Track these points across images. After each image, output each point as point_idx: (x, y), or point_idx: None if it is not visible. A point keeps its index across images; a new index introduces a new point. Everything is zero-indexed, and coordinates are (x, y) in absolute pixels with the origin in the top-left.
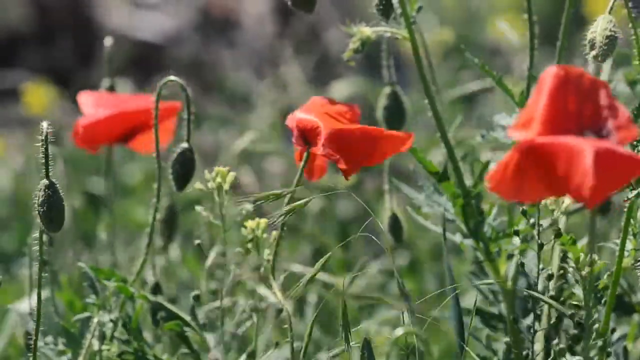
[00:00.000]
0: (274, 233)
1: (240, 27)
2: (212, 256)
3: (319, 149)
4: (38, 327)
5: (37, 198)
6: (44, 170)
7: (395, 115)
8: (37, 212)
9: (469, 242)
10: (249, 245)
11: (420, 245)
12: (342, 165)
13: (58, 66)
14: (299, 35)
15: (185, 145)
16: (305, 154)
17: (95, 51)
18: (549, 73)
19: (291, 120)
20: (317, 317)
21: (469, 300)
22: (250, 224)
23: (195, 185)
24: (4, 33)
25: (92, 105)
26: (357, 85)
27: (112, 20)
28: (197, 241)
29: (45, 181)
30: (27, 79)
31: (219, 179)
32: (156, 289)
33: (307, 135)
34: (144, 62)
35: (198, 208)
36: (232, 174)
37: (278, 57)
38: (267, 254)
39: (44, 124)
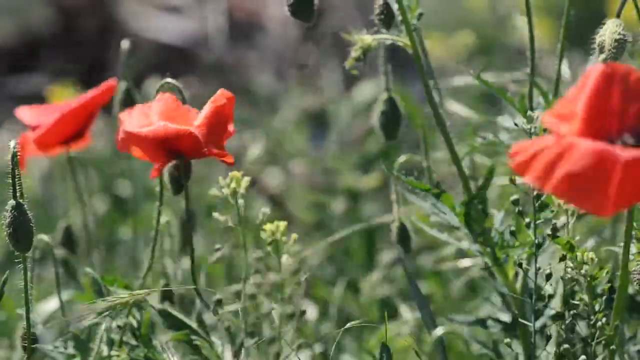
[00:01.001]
0: (294, 235)
1: (263, 31)
2: (217, 255)
3: (205, 153)
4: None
5: (5, 218)
6: (12, 190)
7: (390, 121)
8: (4, 232)
9: (476, 247)
10: (269, 248)
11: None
12: (224, 157)
13: (81, 70)
14: (323, 39)
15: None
16: (187, 166)
17: (118, 54)
18: (595, 69)
19: (126, 140)
20: (339, 319)
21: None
22: (269, 226)
23: (210, 191)
24: (27, 37)
25: (32, 116)
26: (378, 87)
27: (136, 23)
28: (217, 245)
29: (12, 202)
30: (51, 83)
31: (233, 184)
32: (166, 295)
33: (179, 144)
34: (167, 65)
35: (215, 214)
36: (246, 179)
37: (302, 60)
38: (286, 257)
39: (12, 143)
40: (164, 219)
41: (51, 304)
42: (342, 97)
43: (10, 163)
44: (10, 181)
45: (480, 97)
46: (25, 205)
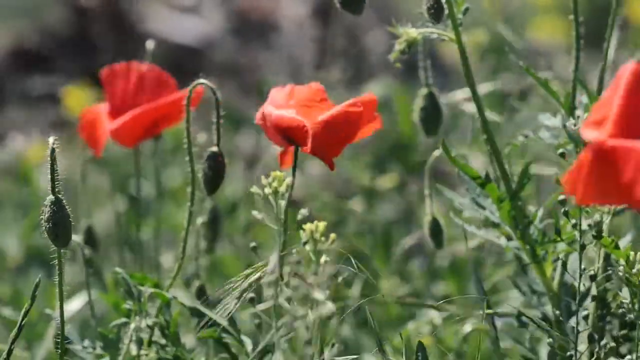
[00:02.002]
0: (332, 235)
1: (278, 31)
2: (273, 259)
3: (308, 149)
4: (63, 331)
5: (44, 214)
6: (51, 186)
7: (432, 116)
8: (43, 227)
9: (514, 244)
10: (307, 248)
11: (461, 248)
12: (329, 161)
13: (96, 70)
14: (337, 39)
15: (214, 149)
16: (294, 155)
17: (133, 55)
18: (627, 69)
19: (263, 118)
20: (359, 319)
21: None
22: (308, 226)
23: (252, 189)
24: (42, 37)
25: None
26: (389, 87)
27: (151, 24)
28: (252, 244)
29: (51, 197)
30: (66, 83)
31: (275, 184)
32: (200, 293)
33: (292, 135)
34: (181, 65)
35: (254, 213)
36: (289, 179)
37: (316, 60)
38: (324, 258)
39: (51, 139)
40: (197, 220)
41: (75, 304)
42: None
43: (49, 158)
44: (50, 176)
45: (488, 96)
46: (64, 201)
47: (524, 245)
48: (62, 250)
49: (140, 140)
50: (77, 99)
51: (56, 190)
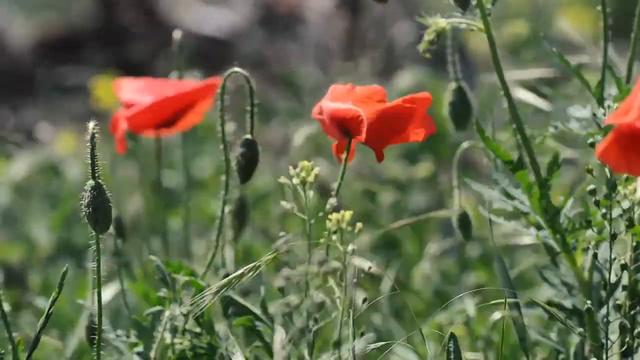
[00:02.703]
0: (359, 224)
1: (304, 22)
2: (280, 241)
3: (362, 139)
4: (100, 320)
5: (84, 199)
6: (91, 171)
7: (462, 111)
8: (83, 213)
9: (544, 234)
10: (334, 237)
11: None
12: (380, 152)
13: (124, 61)
14: (364, 30)
15: (248, 137)
16: (347, 146)
17: (160, 46)
18: None
19: (320, 112)
20: (391, 308)
21: (542, 293)
22: (334, 216)
23: (280, 179)
24: (69, 29)
25: (133, 92)
26: (419, 76)
27: (177, 15)
28: (281, 233)
29: (91, 182)
30: (95, 74)
31: (303, 173)
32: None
33: (347, 125)
34: (209, 57)
35: (283, 202)
36: (317, 169)
37: (343, 51)
38: (350, 247)
39: (91, 124)
40: (222, 208)
41: (106, 294)
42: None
43: (89, 144)
44: (90, 161)
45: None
46: (104, 186)
47: (553, 234)
48: (99, 237)
49: (160, 129)
50: (107, 89)
51: (96, 175)
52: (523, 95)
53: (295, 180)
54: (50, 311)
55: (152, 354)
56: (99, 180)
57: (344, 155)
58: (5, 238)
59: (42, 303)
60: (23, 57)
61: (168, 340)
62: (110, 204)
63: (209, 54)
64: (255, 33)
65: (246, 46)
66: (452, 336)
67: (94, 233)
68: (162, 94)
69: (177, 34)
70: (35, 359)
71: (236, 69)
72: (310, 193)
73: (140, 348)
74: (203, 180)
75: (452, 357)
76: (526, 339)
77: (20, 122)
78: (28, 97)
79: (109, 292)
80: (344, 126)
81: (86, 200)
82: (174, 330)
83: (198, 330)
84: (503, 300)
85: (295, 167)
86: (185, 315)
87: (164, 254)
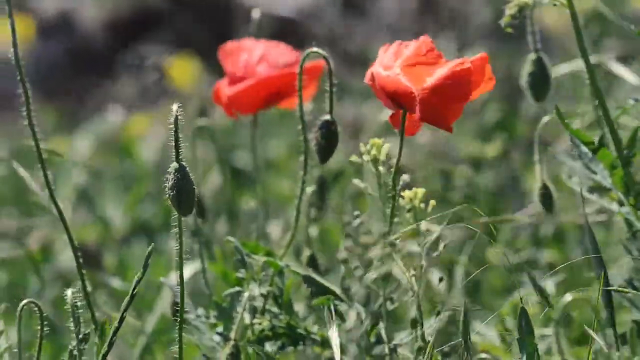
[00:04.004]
0: (432, 201)
1: (376, 1)
2: (356, 221)
3: (417, 117)
4: (182, 301)
5: (167, 181)
6: (175, 153)
7: (540, 82)
8: (167, 195)
9: (625, 210)
10: (408, 215)
11: (565, 216)
12: (445, 126)
13: (194, 41)
14: (437, 6)
15: (327, 117)
16: (402, 119)
17: (230, 26)
18: None
19: (372, 78)
20: (466, 287)
21: (619, 270)
22: (407, 193)
23: (351, 158)
24: (140, 10)
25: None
26: (490, 51)
27: None
28: (356, 212)
29: (175, 164)
30: (167, 55)
31: (374, 151)
32: (312, 262)
33: (400, 100)
34: (281, 37)
35: (355, 181)
36: (387, 146)
37: (416, 28)
38: (425, 224)
39: (174, 107)
40: (302, 188)
41: (185, 273)
42: None
43: (173, 126)
44: (174, 144)
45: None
46: (188, 168)
47: (635, 211)
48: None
49: (259, 109)
50: (181, 69)
51: (179, 157)
52: (616, 68)
53: (366, 158)
54: (134, 291)
55: (232, 335)
56: (183, 163)
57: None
58: (81, 219)
59: (118, 283)
60: (95, 38)
61: (247, 321)
62: (193, 187)
63: (281, 33)
64: (327, 12)
65: (318, 25)
66: (523, 311)
67: (172, 214)
68: (267, 74)
69: (255, 14)
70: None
71: (314, 48)
72: (382, 170)
73: (220, 328)
74: (275, 162)
75: (523, 332)
76: (613, 314)
77: (94, 102)
78: (101, 78)
79: (188, 272)
80: (397, 100)
81: (170, 183)
82: (253, 311)
83: (277, 310)
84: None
85: (366, 144)
86: (265, 296)
87: (240, 234)
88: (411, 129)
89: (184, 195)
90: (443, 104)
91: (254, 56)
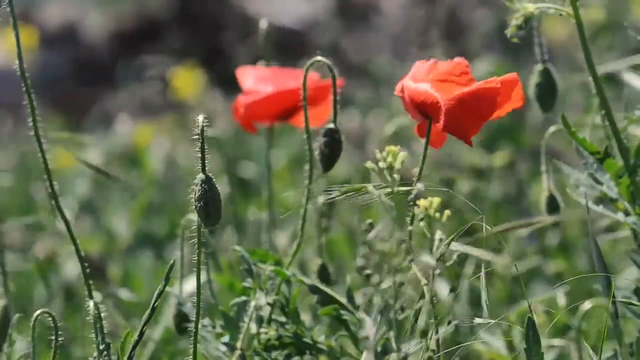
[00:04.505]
0: (447, 211)
1: (380, 12)
2: (375, 231)
3: (440, 126)
4: (198, 310)
5: (194, 193)
6: (201, 165)
7: (547, 92)
8: (194, 207)
9: (632, 220)
10: (422, 224)
11: (571, 226)
12: (466, 139)
13: (196, 52)
14: (440, 18)
15: (331, 126)
16: (427, 129)
17: (238, 37)
18: None
19: (402, 90)
20: (473, 296)
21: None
22: (423, 202)
23: (367, 164)
24: (145, 20)
25: (253, 80)
26: (496, 64)
27: (252, 6)
28: (368, 221)
29: (201, 175)
30: (170, 64)
31: (390, 158)
32: (323, 271)
33: (426, 110)
34: (285, 47)
35: (369, 187)
36: (403, 154)
37: (419, 40)
38: (438, 234)
39: (200, 118)
40: (307, 198)
41: (190, 284)
42: None
43: (199, 137)
44: (200, 155)
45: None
46: (214, 180)
47: None
48: (203, 230)
49: (275, 120)
50: (185, 80)
51: (206, 169)
52: (629, 78)
53: (382, 165)
54: (155, 304)
55: (238, 344)
56: (209, 174)
57: (425, 139)
58: (86, 229)
59: (125, 294)
60: (99, 48)
61: (254, 330)
62: (220, 198)
63: (286, 44)
64: (332, 23)
65: (322, 36)
66: (530, 322)
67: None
68: (283, 86)
69: (263, 24)
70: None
71: (319, 57)
72: (397, 178)
73: (226, 338)
74: (277, 172)
75: (530, 343)
76: (619, 325)
77: (99, 112)
78: (106, 88)
79: (193, 282)
80: (423, 110)
81: (197, 194)
82: (259, 320)
83: (284, 319)
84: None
85: (380, 152)
86: (271, 305)
87: (246, 244)
88: (435, 142)
89: (212, 206)
90: (467, 117)
91: (269, 75)
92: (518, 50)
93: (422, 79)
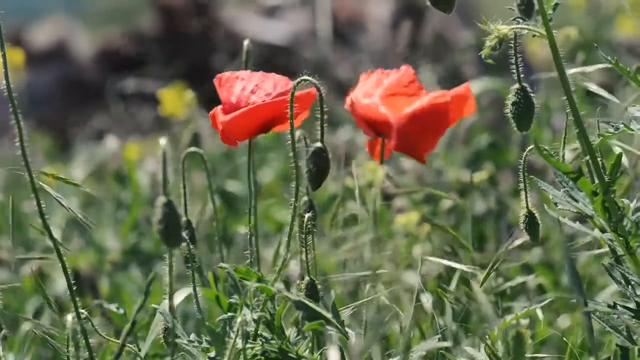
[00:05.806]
0: (426, 226)
1: (365, 31)
2: (347, 247)
3: (391, 145)
4: (174, 325)
5: (155, 215)
6: (162, 187)
7: (524, 111)
8: (155, 228)
9: (608, 236)
10: (402, 241)
11: (552, 242)
12: (418, 156)
13: (187, 70)
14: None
15: (318, 145)
16: (381, 145)
17: (226, 55)
18: None
19: (352, 105)
20: (454, 312)
21: (604, 295)
22: (401, 218)
23: (346, 181)
24: (133, 39)
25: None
26: (486, 85)
27: (238, 25)
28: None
29: (162, 198)
30: (160, 83)
31: (369, 175)
32: (311, 288)
33: (377, 128)
34: (272, 64)
35: (352, 205)
36: (382, 170)
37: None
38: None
39: (162, 141)
40: (293, 215)
41: (176, 299)
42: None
43: (161, 160)
44: (162, 177)
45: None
46: (174, 202)
47: (617, 237)
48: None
49: (253, 135)
50: (173, 98)
51: (167, 191)
52: (593, 88)
53: (361, 182)
54: (134, 318)
55: (225, 359)
56: (170, 197)
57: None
58: (76, 245)
59: (114, 308)
60: (88, 68)
61: (240, 346)
62: (180, 220)
63: (272, 61)
64: (317, 40)
65: (308, 53)
66: (517, 334)
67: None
68: (259, 101)
69: (246, 43)
70: None
71: (306, 77)
72: (374, 191)
73: (213, 353)
74: (264, 188)
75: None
76: (594, 340)
77: (88, 131)
78: (95, 106)
79: (179, 298)
80: (374, 128)
81: (158, 217)
82: (245, 336)
83: (269, 335)
84: (569, 304)
85: (360, 170)
86: (257, 321)
87: (235, 259)
88: (421, 157)
89: (172, 229)
90: (419, 134)
91: (248, 85)
92: (503, 64)
93: (371, 92)
